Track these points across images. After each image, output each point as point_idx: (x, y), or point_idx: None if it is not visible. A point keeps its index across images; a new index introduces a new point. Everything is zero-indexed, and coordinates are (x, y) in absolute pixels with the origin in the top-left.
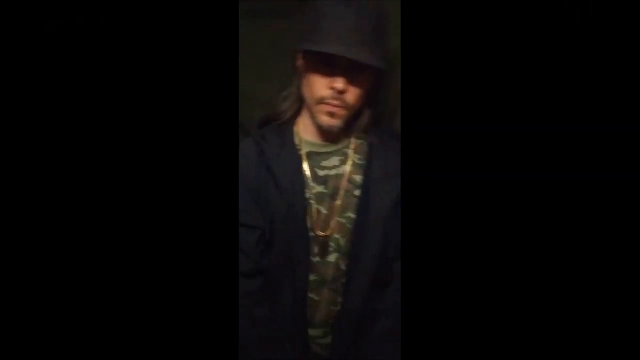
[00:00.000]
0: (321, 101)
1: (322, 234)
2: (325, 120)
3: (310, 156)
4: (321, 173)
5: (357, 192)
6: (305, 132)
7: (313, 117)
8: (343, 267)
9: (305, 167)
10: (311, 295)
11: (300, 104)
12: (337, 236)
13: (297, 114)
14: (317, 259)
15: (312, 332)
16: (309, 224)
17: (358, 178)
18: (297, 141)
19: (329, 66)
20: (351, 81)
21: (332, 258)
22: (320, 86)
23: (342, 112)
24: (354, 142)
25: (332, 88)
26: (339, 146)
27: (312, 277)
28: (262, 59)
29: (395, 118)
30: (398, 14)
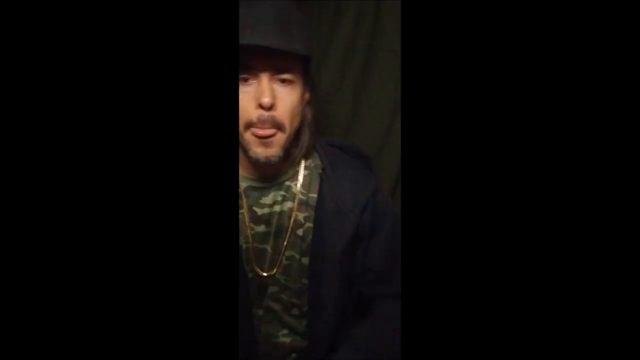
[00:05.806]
0: (249, 126)
1: (264, 273)
2: (260, 151)
3: (247, 193)
4: (260, 212)
5: (300, 232)
6: (241, 166)
7: (245, 150)
8: (295, 311)
9: (242, 205)
10: (260, 327)
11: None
12: (279, 277)
13: None
14: (262, 297)
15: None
16: (250, 266)
17: (301, 215)
18: None
19: (247, 68)
20: (278, 92)
21: (274, 298)
22: (245, 106)
23: (277, 137)
24: (298, 173)
25: (260, 105)
26: (281, 179)
27: (259, 312)
28: None
29: (349, 132)
30: (398, 14)
